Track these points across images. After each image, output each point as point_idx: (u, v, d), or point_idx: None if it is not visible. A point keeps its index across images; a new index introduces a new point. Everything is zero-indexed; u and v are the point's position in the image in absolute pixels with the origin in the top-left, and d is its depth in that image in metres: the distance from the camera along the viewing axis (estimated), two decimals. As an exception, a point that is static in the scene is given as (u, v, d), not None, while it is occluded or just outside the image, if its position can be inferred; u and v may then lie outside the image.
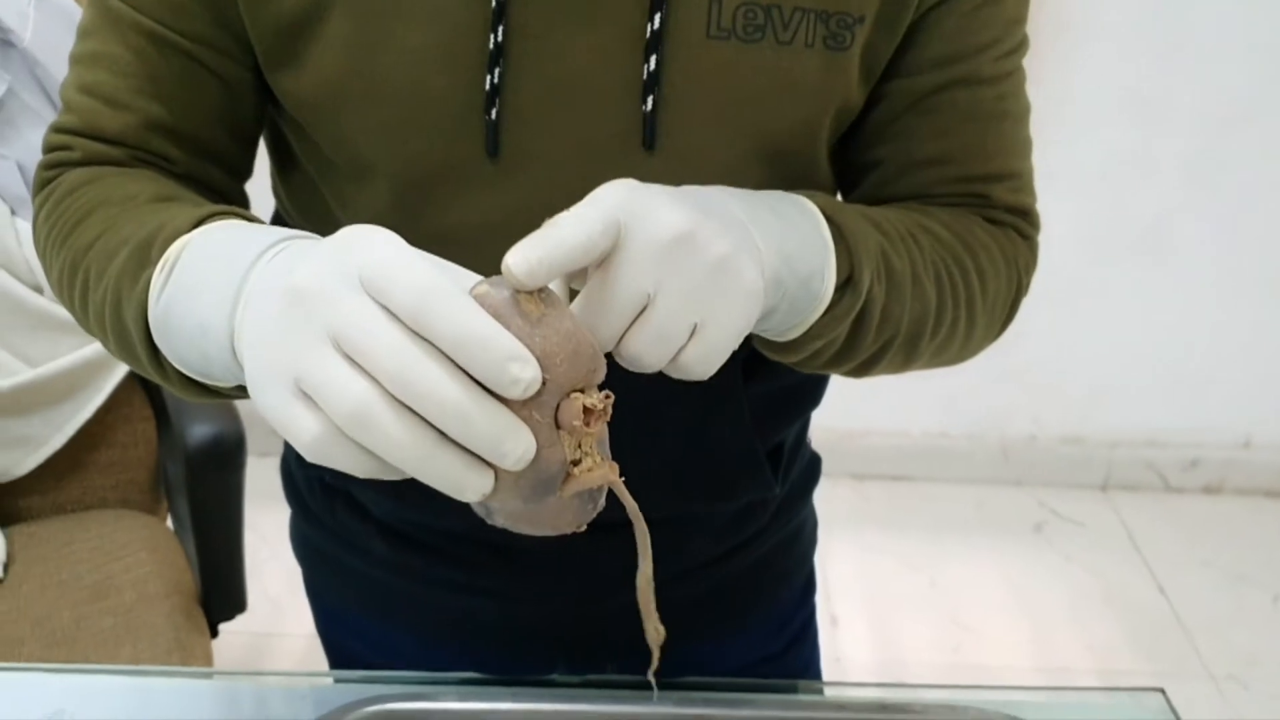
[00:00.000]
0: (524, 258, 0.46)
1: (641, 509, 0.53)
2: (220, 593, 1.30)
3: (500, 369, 0.44)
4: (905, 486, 2.56)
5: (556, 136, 0.63)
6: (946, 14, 0.65)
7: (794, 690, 0.76)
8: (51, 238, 0.65)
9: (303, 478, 0.86)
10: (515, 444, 0.45)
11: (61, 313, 1.38)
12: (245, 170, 0.72)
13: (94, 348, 1.37)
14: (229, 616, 1.32)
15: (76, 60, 0.67)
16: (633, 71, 0.62)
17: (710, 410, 0.76)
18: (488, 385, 0.44)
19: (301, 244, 0.52)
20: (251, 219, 0.60)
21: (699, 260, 0.50)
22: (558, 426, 0.47)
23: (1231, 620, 2.21)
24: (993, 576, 2.28)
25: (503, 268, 0.46)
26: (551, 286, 0.48)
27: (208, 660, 1.25)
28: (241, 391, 0.58)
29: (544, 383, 0.45)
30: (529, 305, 0.46)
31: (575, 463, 0.48)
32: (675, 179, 0.59)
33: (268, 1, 0.62)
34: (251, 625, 1.47)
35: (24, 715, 0.77)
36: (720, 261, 0.51)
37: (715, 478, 0.79)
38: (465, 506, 0.50)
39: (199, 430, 1.19)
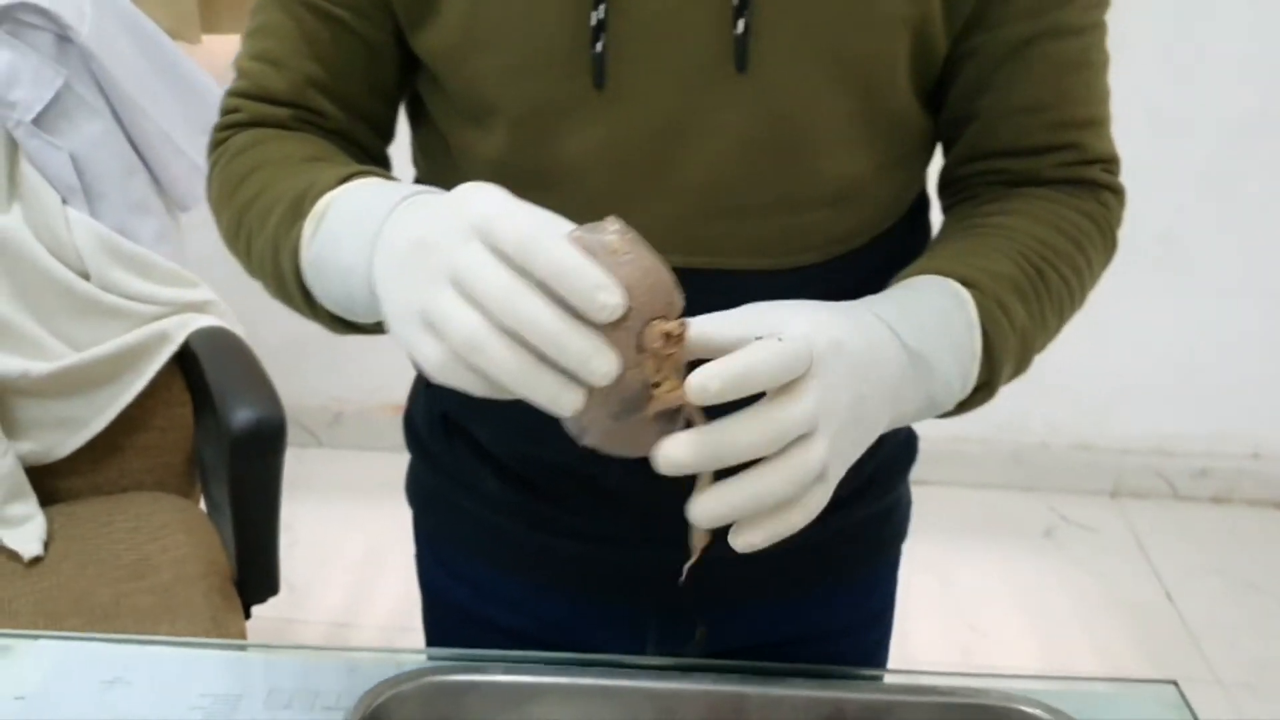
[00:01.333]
0: (715, 376, 0.53)
1: None
2: (255, 574, 1.33)
3: (590, 296, 0.51)
4: (919, 490, 2.56)
5: (656, 65, 0.69)
6: None
7: (823, 675, 0.78)
8: (221, 194, 0.76)
9: (424, 421, 0.92)
10: (601, 362, 0.51)
11: (106, 299, 1.42)
12: (388, 130, 0.82)
13: (136, 334, 1.41)
14: (262, 598, 1.36)
15: (247, 34, 0.78)
16: (724, 1, 0.67)
17: None
18: (579, 312, 0.51)
19: (424, 197, 0.60)
20: (389, 177, 0.69)
21: (857, 432, 0.59)
22: (640, 350, 0.53)
23: (1239, 628, 2.23)
24: (1003, 580, 2.31)
25: (690, 388, 0.53)
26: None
27: (243, 639, 1.29)
28: (379, 327, 0.67)
29: (628, 311, 0.52)
30: (617, 245, 0.53)
31: (655, 385, 0.54)
32: (766, 102, 0.69)
33: None
34: (272, 611, 1.51)
35: (83, 682, 0.81)
36: (871, 428, 0.61)
37: None
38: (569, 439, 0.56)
39: (242, 414, 1.23)
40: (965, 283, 0.68)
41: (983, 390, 0.69)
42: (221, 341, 1.41)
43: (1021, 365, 0.72)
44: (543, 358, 0.52)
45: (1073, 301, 0.76)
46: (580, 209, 0.58)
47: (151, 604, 1.25)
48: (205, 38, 2.17)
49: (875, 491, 0.91)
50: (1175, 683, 0.86)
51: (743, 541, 0.59)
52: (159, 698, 0.80)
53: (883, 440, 0.89)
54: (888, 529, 0.95)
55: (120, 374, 1.41)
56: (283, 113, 0.76)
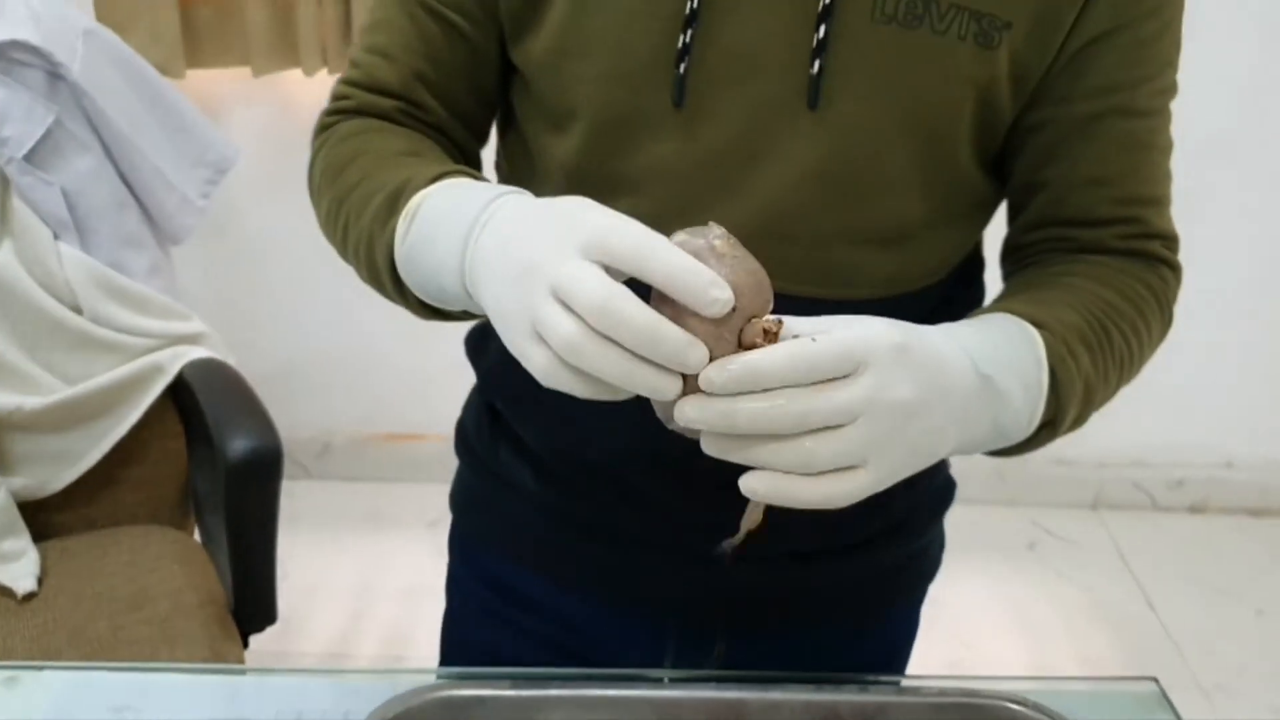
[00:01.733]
0: (722, 367, 0.57)
1: None
2: (253, 604, 1.34)
3: (704, 292, 0.56)
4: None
5: (734, 93, 0.73)
6: (1107, 49, 0.74)
7: (819, 680, 0.81)
8: (324, 177, 0.80)
9: (474, 425, 0.96)
10: (694, 352, 0.56)
11: (99, 333, 1.43)
12: (482, 133, 0.87)
13: (129, 367, 1.43)
14: (260, 628, 1.37)
15: (365, 29, 0.84)
16: (804, 42, 0.71)
17: None
18: (693, 307, 0.56)
19: (514, 200, 0.66)
20: (478, 177, 0.74)
21: (909, 426, 0.61)
22: (740, 346, 0.58)
23: (1218, 633, 2.27)
24: (989, 593, 2.34)
25: (700, 378, 0.58)
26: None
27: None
28: (466, 315, 0.74)
29: (734, 308, 0.57)
30: (723, 247, 0.58)
31: None
32: (833, 139, 0.73)
33: None
34: (266, 644, 1.52)
35: (90, 711, 0.81)
36: (935, 441, 0.63)
37: None
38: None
39: (238, 444, 1.24)
40: (1035, 323, 0.71)
41: (1046, 429, 0.72)
42: (216, 372, 1.42)
43: (1083, 415, 0.75)
44: (637, 355, 0.57)
45: (1132, 364, 0.79)
46: (647, 218, 0.62)
47: (149, 635, 1.26)
48: (190, 73, 2.20)
49: (908, 533, 0.94)
50: (1155, 679, 0.89)
51: (746, 481, 0.60)
52: (166, 724, 0.82)
53: (917, 481, 0.92)
54: (918, 569, 0.98)
55: (113, 407, 1.42)
56: (389, 104, 0.81)
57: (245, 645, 1.36)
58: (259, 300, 2.46)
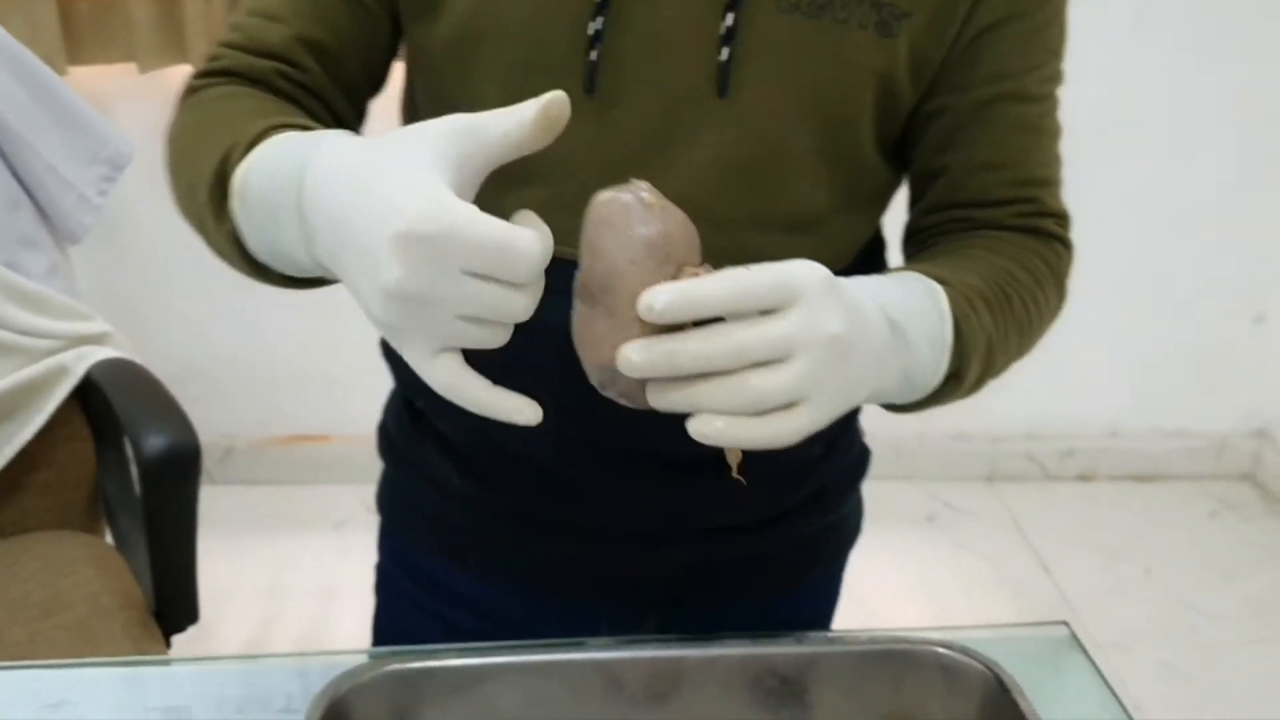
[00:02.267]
0: (662, 293, 0.57)
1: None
2: (174, 603, 1.32)
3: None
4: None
5: (645, 80, 0.74)
6: (999, 37, 0.77)
7: (754, 637, 0.84)
8: (172, 148, 0.77)
9: (395, 425, 0.96)
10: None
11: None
12: (363, 106, 0.84)
13: (32, 370, 1.39)
14: (182, 627, 1.35)
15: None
16: (713, 30, 0.73)
17: None
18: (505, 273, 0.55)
19: (330, 160, 0.61)
20: (305, 125, 0.70)
21: (842, 361, 0.60)
22: None
23: (1109, 593, 2.38)
24: (893, 564, 2.41)
25: (638, 304, 0.58)
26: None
27: (165, 668, 1.28)
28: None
29: (667, 256, 0.58)
30: (650, 199, 0.59)
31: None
32: (741, 125, 0.74)
33: None
34: (180, 646, 1.50)
35: (25, 709, 0.80)
36: (857, 384, 0.63)
37: None
38: (532, 428, 0.61)
39: (155, 441, 1.22)
40: (938, 280, 0.73)
41: (951, 382, 0.73)
42: (125, 372, 1.40)
43: (985, 374, 0.77)
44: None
45: (1031, 331, 0.82)
46: (562, 206, 0.63)
47: (69, 639, 1.23)
48: (72, 70, 2.14)
49: (828, 503, 0.97)
50: (1066, 623, 0.94)
51: (694, 425, 0.59)
52: (107, 716, 0.80)
53: (835, 451, 0.95)
54: (839, 538, 1.01)
55: (17, 411, 1.38)
56: (265, 64, 0.77)
57: (168, 645, 1.35)
58: (155, 302, 2.41)
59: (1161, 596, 2.38)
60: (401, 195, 0.54)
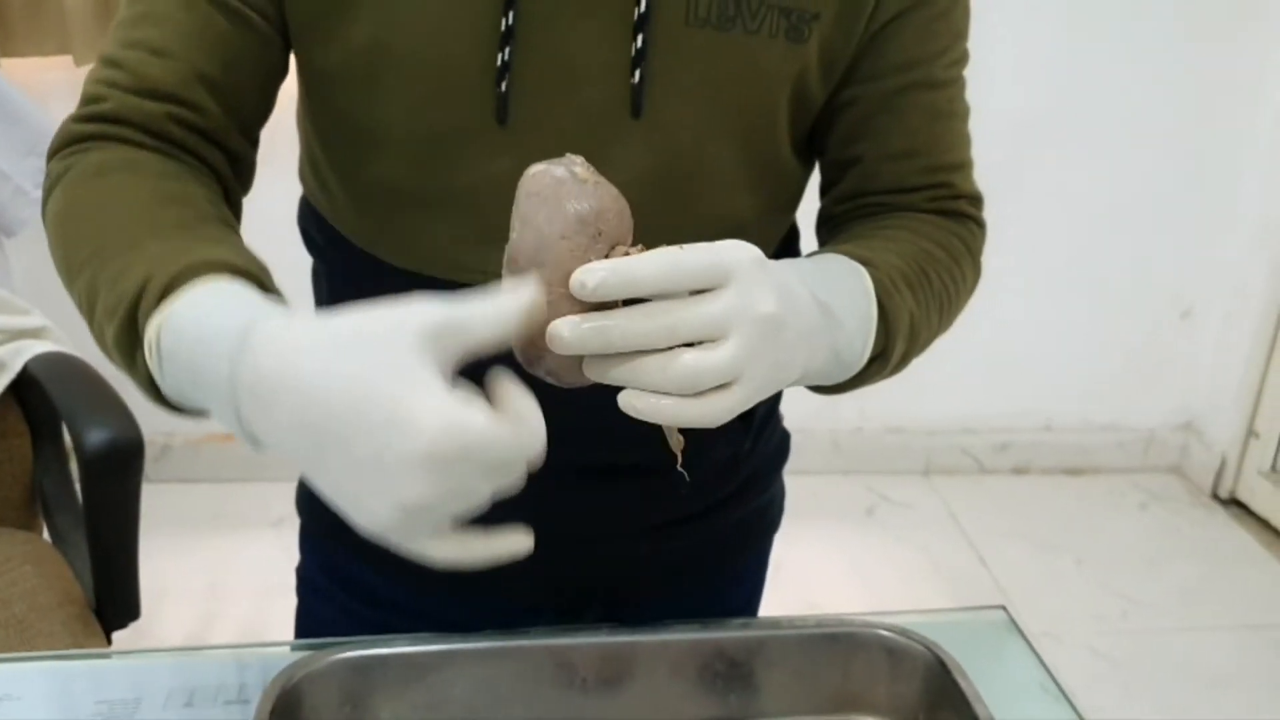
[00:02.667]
0: (595, 270, 0.56)
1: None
2: (115, 599, 1.31)
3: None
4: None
5: (558, 106, 0.73)
6: (904, 26, 0.77)
7: (704, 623, 0.85)
8: (57, 225, 0.70)
9: None
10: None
11: (-67, 330, 1.37)
12: (255, 139, 0.78)
13: (-33, 365, 1.37)
14: (124, 623, 1.33)
15: (124, 23, 0.73)
16: (623, 50, 0.72)
17: None
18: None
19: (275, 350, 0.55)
20: (223, 258, 0.62)
21: (775, 341, 0.60)
22: None
23: (1043, 583, 2.43)
24: (832, 557, 2.45)
25: (570, 282, 0.57)
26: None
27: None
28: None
29: (600, 234, 0.57)
30: (584, 174, 0.58)
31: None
32: (659, 144, 0.73)
33: None
34: (121, 643, 1.48)
35: (-35, 703, 0.80)
36: (789, 363, 0.63)
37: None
38: None
39: (96, 435, 1.21)
40: (861, 261, 0.74)
41: (876, 363, 0.74)
42: (64, 366, 1.37)
43: (910, 350, 0.78)
44: None
45: (951, 307, 0.83)
46: (475, 235, 0.62)
47: (6, 637, 1.21)
48: (4, 62, 2.10)
49: (755, 489, 0.98)
50: (1004, 608, 0.97)
51: (626, 398, 0.59)
52: (55, 710, 0.80)
53: (760, 439, 0.96)
54: (764, 522, 1.02)
55: (-49, 407, 1.36)
56: (156, 108, 0.71)
57: (109, 642, 1.33)
58: (89, 299, 2.37)
59: (1093, 586, 2.44)
60: (413, 413, 0.51)
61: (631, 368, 0.58)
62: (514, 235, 0.59)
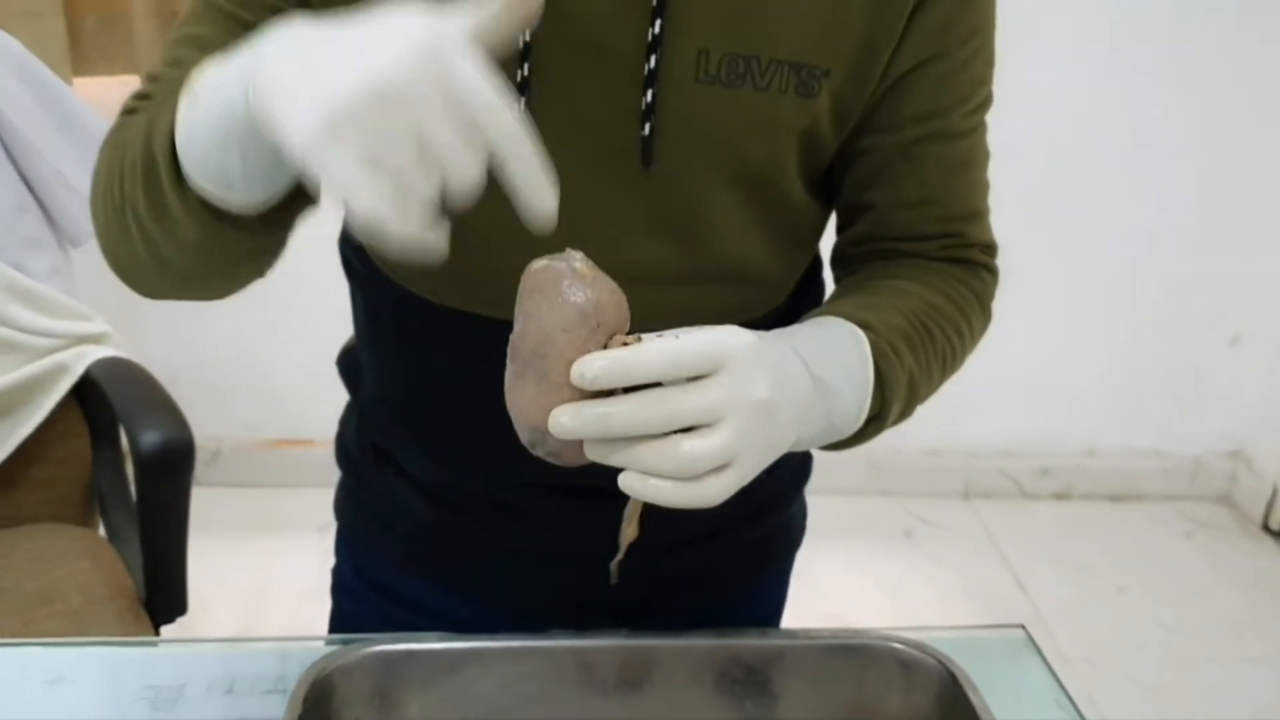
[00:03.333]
0: (595, 360, 0.59)
1: None
2: (164, 594, 1.36)
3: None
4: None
5: (571, 154, 0.74)
6: (922, 77, 0.78)
7: (722, 631, 0.88)
8: (96, 183, 0.73)
9: (356, 448, 0.97)
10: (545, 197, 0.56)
11: (2, 333, 1.43)
12: None
13: (33, 367, 1.43)
14: (171, 618, 1.38)
15: (169, 44, 0.76)
16: (633, 104, 0.74)
17: None
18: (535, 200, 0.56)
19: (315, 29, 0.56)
20: None
21: (768, 424, 0.63)
22: None
23: (1082, 610, 2.42)
24: (869, 580, 2.45)
25: (571, 373, 0.60)
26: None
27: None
28: (261, 224, 0.66)
29: (598, 326, 0.60)
30: (584, 270, 0.61)
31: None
32: (668, 194, 0.75)
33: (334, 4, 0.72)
34: (167, 634, 1.53)
35: (25, 684, 0.84)
36: (782, 439, 0.65)
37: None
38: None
39: (150, 436, 1.26)
40: (861, 325, 0.75)
41: (873, 424, 0.75)
42: (123, 370, 1.43)
43: (908, 409, 0.79)
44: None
45: (955, 359, 0.84)
46: (496, 275, 0.65)
47: (62, 628, 1.27)
48: (76, 80, 2.18)
49: (773, 510, 0.99)
50: (1023, 626, 0.98)
51: (626, 479, 0.62)
52: (103, 693, 0.84)
53: (777, 466, 0.98)
54: (783, 541, 1.04)
55: (17, 408, 1.42)
56: None
57: (157, 635, 1.38)
58: (145, 307, 2.43)
59: (1134, 613, 2.42)
60: (409, 13, 0.53)
61: (630, 454, 0.61)
62: (517, 327, 0.62)
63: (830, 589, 2.39)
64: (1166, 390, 2.76)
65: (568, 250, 0.62)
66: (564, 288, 0.60)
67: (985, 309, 0.87)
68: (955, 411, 2.90)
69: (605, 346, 0.61)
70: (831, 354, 0.73)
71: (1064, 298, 2.63)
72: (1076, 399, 2.75)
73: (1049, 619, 2.37)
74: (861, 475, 2.74)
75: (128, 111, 0.76)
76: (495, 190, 0.76)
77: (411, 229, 0.53)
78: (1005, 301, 3.08)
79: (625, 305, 0.62)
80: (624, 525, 0.70)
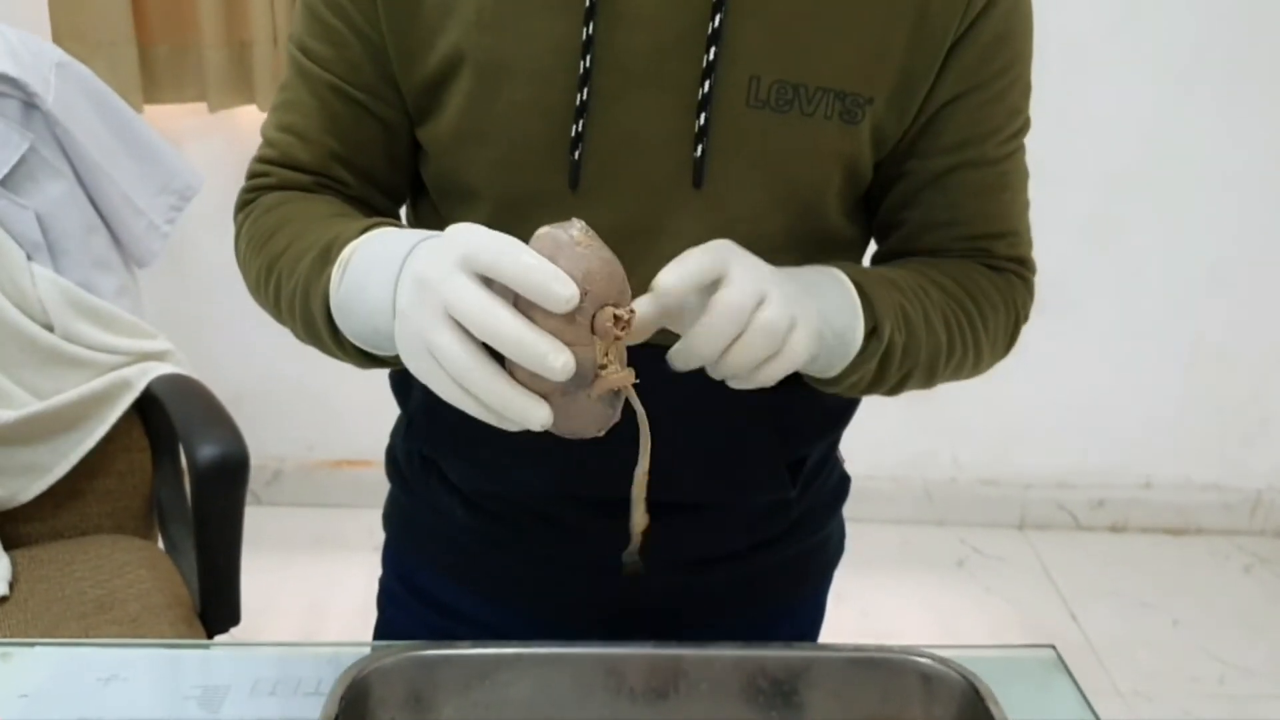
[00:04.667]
0: (668, 270, 0.65)
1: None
2: (218, 605, 1.40)
3: (547, 289, 0.60)
4: (836, 526, 2.70)
5: (624, 174, 0.80)
6: (959, 109, 0.82)
7: (749, 643, 0.89)
8: (251, 246, 0.83)
9: (404, 458, 1.01)
10: (557, 358, 0.60)
11: (69, 349, 1.49)
12: (401, 195, 0.91)
13: (98, 382, 1.49)
14: (225, 628, 1.42)
15: (275, 108, 0.86)
16: (686, 127, 0.78)
17: (740, 417, 0.89)
18: (542, 304, 0.60)
19: (431, 241, 0.68)
20: (403, 227, 0.77)
21: (791, 283, 0.69)
22: (592, 332, 0.62)
23: (1136, 643, 2.38)
24: (921, 608, 2.44)
25: (657, 286, 0.66)
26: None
27: (207, 665, 1.35)
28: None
29: (585, 294, 0.61)
30: (580, 238, 0.63)
31: (602, 367, 0.64)
32: (717, 214, 0.79)
33: (415, 64, 0.80)
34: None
35: (81, 681, 0.88)
36: (808, 292, 0.70)
37: (738, 473, 0.92)
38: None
39: (207, 450, 1.31)
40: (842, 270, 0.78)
41: (873, 341, 0.76)
42: (183, 386, 1.49)
43: (912, 345, 0.79)
44: (514, 380, 0.62)
45: (968, 331, 0.84)
46: None
47: (120, 634, 1.31)
48: (146, 108, 2.26)
49: (807, 529, 1.01)
50: (1053, 646, 0.99)
51: (735, 384, 0.69)
52: (153, 692, 0.88)
53: (814, 481, 0.99)
54: (823, 558, 1.05)
55: (82, 421, 1.48)
56: (307, 179, 0.84)
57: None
58: (210, 329, 2.51)
59: (1189, 648, 2.38)
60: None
61: (727, 362, 0.67)
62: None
63: (881, 617, 2.38)
64: (1226, 423, 2.72)
65: (572, 219, 0.64)
66: (558, 254, 0.62)
67: (1008, 303, 0.88)
68: (1010, 442, 2.89)
69: (594, 317, 0.62)
70: (806, 270, 0.76)
71: (1122, 327, 2.61)
72: (1133, 430, 2.72)
73: (1102, 651, 2.34)
74: (916, 505, 2.73)
75: (251, 187, 0.86)
76: (545, 215, 0.81)
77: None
78: (1063, 330, 3.10)
79: (620, 276, 0.63)
80: (632, 511, 0.71)
